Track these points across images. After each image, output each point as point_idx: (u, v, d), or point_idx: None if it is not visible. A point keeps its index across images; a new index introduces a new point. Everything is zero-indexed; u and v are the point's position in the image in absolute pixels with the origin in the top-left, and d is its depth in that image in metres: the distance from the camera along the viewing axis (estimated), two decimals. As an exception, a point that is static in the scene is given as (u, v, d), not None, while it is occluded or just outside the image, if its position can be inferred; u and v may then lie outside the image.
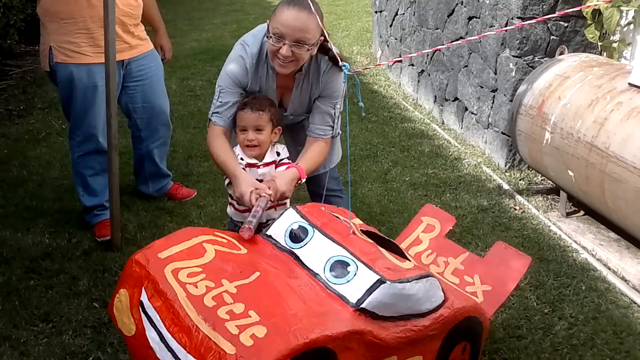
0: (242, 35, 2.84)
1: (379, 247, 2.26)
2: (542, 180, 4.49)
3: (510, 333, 2.92)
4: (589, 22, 4.23)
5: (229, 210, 2.79)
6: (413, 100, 6.40)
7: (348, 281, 2.08)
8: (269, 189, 2.51)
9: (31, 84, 6.84)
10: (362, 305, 2.01)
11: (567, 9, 4.33)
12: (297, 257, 2.22)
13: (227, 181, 2.67)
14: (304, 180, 2.65)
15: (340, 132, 2.93)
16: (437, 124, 5.68)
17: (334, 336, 1.86)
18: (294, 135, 3.03)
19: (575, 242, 3.72)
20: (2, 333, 2.86)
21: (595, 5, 4.02)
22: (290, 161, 2.72)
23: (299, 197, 3.76)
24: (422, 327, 2.11)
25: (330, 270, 2.13)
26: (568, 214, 4.03)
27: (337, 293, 2.06)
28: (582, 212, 4.05)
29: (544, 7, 4.32)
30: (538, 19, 2.32)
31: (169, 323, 1.91)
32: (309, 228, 2.28)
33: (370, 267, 2.09)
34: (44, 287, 3.23)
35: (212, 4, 12.20)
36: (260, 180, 2.60)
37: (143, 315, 2.01)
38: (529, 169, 4.59)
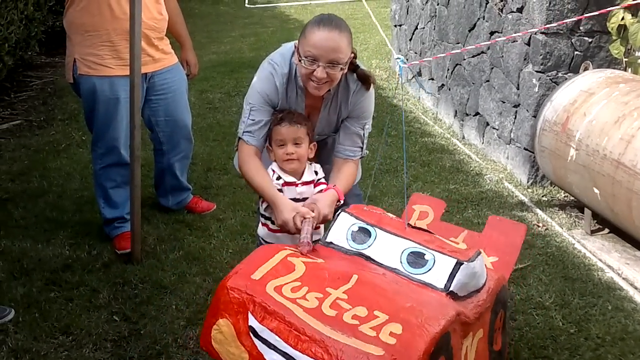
0: (260, 48, 2.83)
1: (435, 234, 2.36)
2: (565, 197, 4.44)
3: (536, 353, 2.86)
4: (613, 37, 4.18)
5: (261, 231, 2.73)
6: (433, 114, 6.37)
7: (429, 269, 2.16)
8: (312, 212, 2.48)
9: (51, 95, 6.88)
10: (450, 289, 2.11)
11: (591, 22, 4.29)
12: (368, 258, 2.25)
13: (264, 205, 2.63)
14: (342, 201, 2.62)
15: (367, 152, 2.90)
16: (457, 139, 5.64)
17: (451, 320, 1.95)
18: (317, 153, 3.01)
19: (601, 260, 3.66)
20: (23, 346, 2.84)
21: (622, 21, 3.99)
22: (326, 182, 2.69)
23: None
24: (483, 301, 2.21)
25: (408, 263, 2.19)
26: (592, 232, 3.97)
27: (424, 282, 2.14)
28: (606, 230, 3.99)
29: (568, 22, 4.28)
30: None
31: (294, 341, 1.88)
32: (369, 228, 2.32)
33: (443, 253, 2.19)
34: (64, 300, 3.22)
35: (230, 17, 12.26)
36: (299, 200, 2.58)
37: (256, 341, 1.97)
38: (551, 185, 4.54)
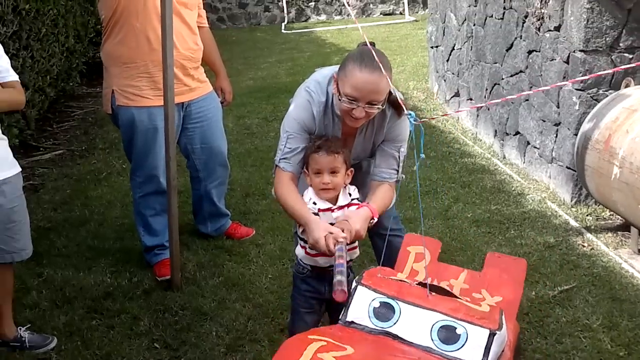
0: (297, 73, 2.83)
1: (458, 297, 2.23)
2: (610, 215, 4.33)
3: (584, 378, 2.79)
4: (655, 52, 4.10)
5: (299, 252, 2.71)
6: (472, 134, 6.30)
7: (463, 344, 2.03)
8: (343, 231, 2.44)
9: (92, 125, 7.01)
10: None
11: (632, 39, 4.21)
12: (395, 336, 2.10)
13: (300, 229, 2.62)
14: (375, 219, 2.58)
15: (404, 176, 2.87)
16: (498, 159, 5.56)
17: None
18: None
19: (649, 280, 3.56)
20: (65, 374, 2.86)
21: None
22: (360, 202, 2.67)
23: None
24: (508, 359, 2.13)
25: (440, 339, 2.06)
26: (640, 251, 3.87)
27: (459, 359, 2.02)
28: (654, 249, 3.88)
29: (607, 39, 4.21)
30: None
31: None
32: (392, 302, 2.18)
33: (474, 323, 2.07)
34: (106, 327, 3.25)
35: (266, 43, 12.37)
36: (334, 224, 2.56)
37: None
38: (596, 204, 4.43)
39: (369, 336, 2.11)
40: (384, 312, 2.15)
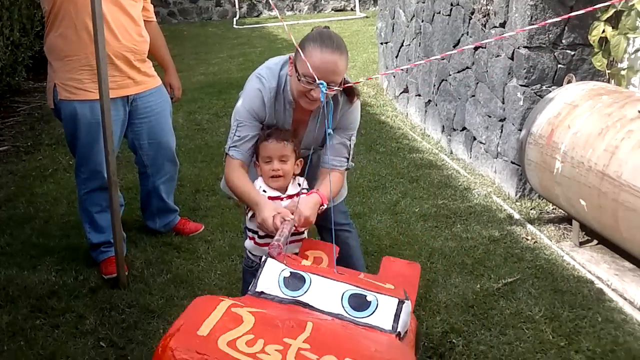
0: (248, 69, 2.83)
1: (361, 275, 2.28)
2: (553, 209, 4.44)
3: (526, 368, 2.85)
4: (596, 50, 4.20)
5: (248, 244, 2.74)
6: (421, 130, 6.37)
7: (373, 311, 2.07)
8: (292, 214, 2.48)
9: (39, 120, 6.87)
10: (398, 329, 2.04)
11: (574, 36, 4.32)
12: (305, 304, 2.09)
13: (249, 214, 2.62)
14: (325, 206, 2.60)
15: (353, 164, 2.90)
16: (445, 154, 5.64)
17: None
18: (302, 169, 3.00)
19: (590, 272, 3.65)
20: (8, 375, 2.81)
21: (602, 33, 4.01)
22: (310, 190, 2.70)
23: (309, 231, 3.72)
24: (411, 341, 2.17)
25: (351, 306, 2.08)
26: (581, 244, 3.96)
27: (370, 325, 2.04)
28: (595, 242, 3.99)
29: (550, 36, 4.31)
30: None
31: None
32: (302, 273, 2.18)
33: (383, 293, 2.11)
34: (50, 327, 3.19)
35: (218, 38, 12.28)
36: None
37: None
38: (539, 198, 4.54)
39: (279, 305, 2.08)
40: (294, 282, 2.15)
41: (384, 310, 2.06)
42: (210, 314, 1.91)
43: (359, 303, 2.08)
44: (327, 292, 2.12)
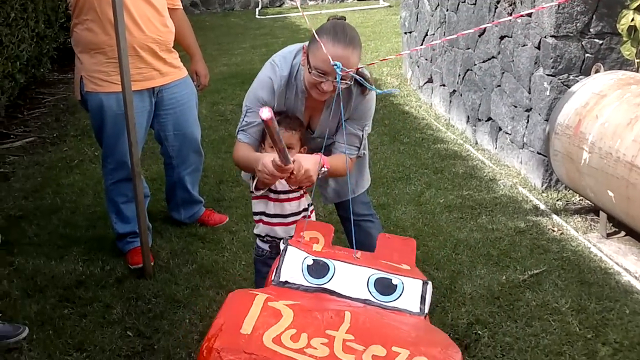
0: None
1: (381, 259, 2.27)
2: (580, 200, 4.39)
3: (553, 360, 2.83)
4: (624, 39, 4.14)
5: (257, 229, 2.74)
6: (445, 120, 6.33)
7: (400, 294, 2.06)
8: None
9: (64, 111, 6.92)
10: (425, 311, 2.04)
11: (602, 24, 4.26)
12: (332, 292, 2.06)
13: (254, 183, 2.61)
14: (327, 168, 2.53)
15: (366, 152, 2.89)
16: (470, 145, 5.60)
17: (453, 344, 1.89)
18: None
19: (617, 264, 3.61)
20: (37, 363, 2.85)
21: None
22: None
23: (332, 222, 3.71)
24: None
25: (377, 291, 2.06)
26: (608, 235, 3.92)
27: (399, 309, 2.03)
28: (623, 233, 3.94)
29: (578, 24, 4.25)
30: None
31: None
32: (325, 260, 2.15)
33: (406, 276, 2.11)
34: (78, 316, 3.23)
35: (241, 28, 12.28)
36: (289, 215, 2.61)
37: None
38: (566, 189, 4.49)
39: (305, 294, 2.05)
40: (318, 269, 2.12)
41: (410, 293, 2.06)
42: (249, 310, 1.87)
43: (385, 287, 2.07)
44: (352, 278, 2.10)
